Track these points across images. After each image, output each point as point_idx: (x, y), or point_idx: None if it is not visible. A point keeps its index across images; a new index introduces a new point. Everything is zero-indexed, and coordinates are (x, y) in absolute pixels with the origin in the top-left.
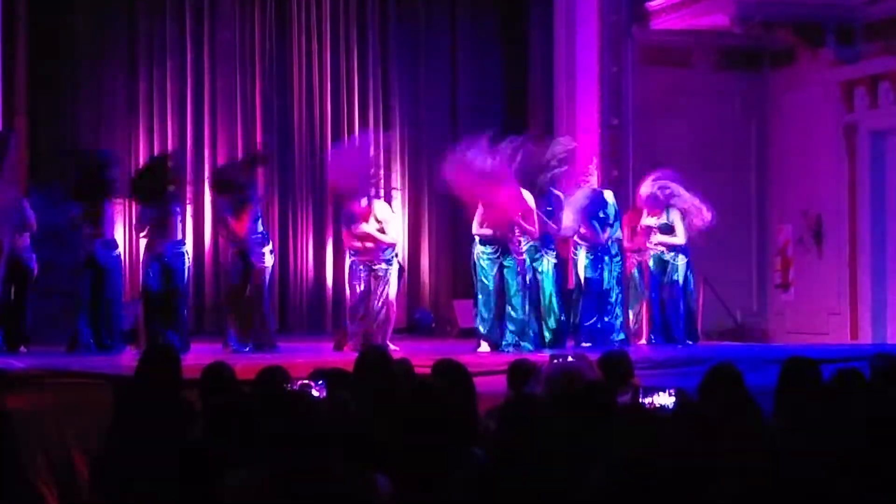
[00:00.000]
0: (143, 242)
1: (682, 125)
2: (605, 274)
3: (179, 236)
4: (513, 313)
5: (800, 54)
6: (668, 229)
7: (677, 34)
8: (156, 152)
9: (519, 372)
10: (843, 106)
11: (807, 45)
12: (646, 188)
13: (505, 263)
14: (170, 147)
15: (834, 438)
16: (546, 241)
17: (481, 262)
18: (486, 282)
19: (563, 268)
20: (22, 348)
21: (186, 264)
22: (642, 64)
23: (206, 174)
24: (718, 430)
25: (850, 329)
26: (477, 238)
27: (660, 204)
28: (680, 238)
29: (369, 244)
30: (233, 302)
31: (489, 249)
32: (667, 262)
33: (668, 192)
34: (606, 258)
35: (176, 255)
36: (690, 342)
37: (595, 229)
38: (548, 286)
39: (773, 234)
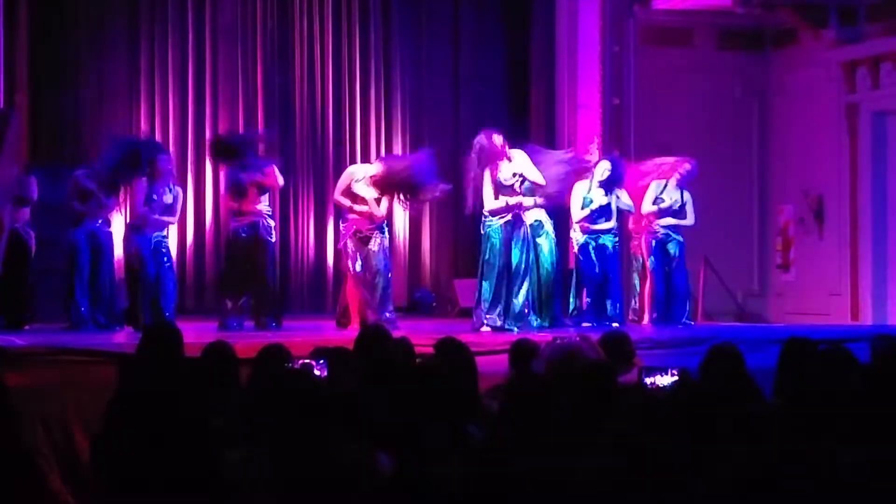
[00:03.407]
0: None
1: (684, 105)
2: (604, 253)
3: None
4: (517, 293)
5: (802, 34)
6: (681, 211)
7: (679, 14)
8: (157, 130)
9: (521, 351)
10: (844, 86)
11: (809, 25)
12: None
13: (513, 241)
14: (171, 126)
15: (832, 417)
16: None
17: (491, 237)
18: (491, 259)
19: (563, 246)
20: (25, 325)
21: (170, 245)
22: (644, 43)
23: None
24: (718, 409)
25: (850, 310)
26: (487, 212)
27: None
28: (690, 220)
29: (363, 208)
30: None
31: (499, 223)
32: (666, 242)
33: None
34: (604, 238)
35: (161, 237)
36: (689, 322)
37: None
38: (545, 263)
39: (774, 215)
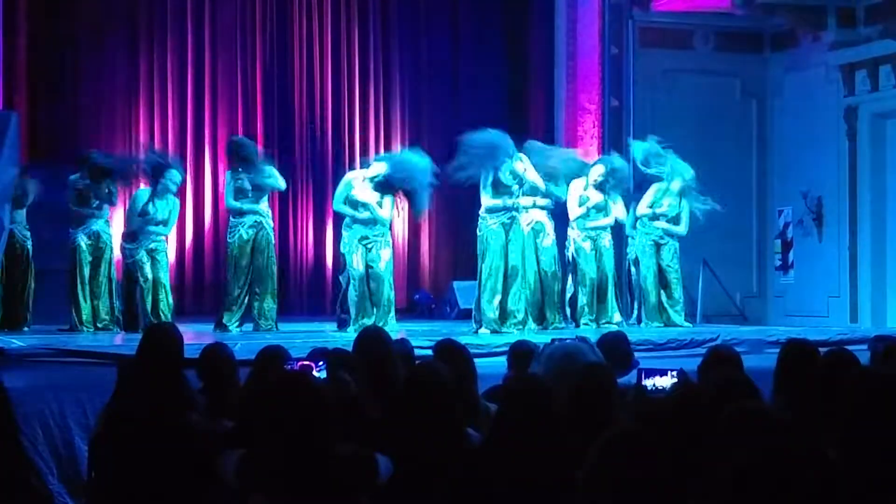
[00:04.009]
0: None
1: (683, 107)
2: (601, 255)
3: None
4: (514, 294)
5: (801, 37)
6: (675, 219)
7: (678, 16)
8: (156, 130)
9: (520, 353)
10: (843, 88)
11: (808, 28)
12: None
13: (510, 244)
14: (170, 127)
15: (830, 418)
16: (547, 215)
17: (489, 239)
18: (490, 262)
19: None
20: (24, 327)
21: (165, 255)
22: (643, 45)
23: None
24: (716, 411)
25: (849, 312)
26: (484, 207)
27: None
28: (682, 229)
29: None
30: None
31: (496, 225)
32: (661, 245)
33: None
34: (601, 239)
35: (158, 244)
36: (688, 324)
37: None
38: (546, 265)
39: (774, 217)
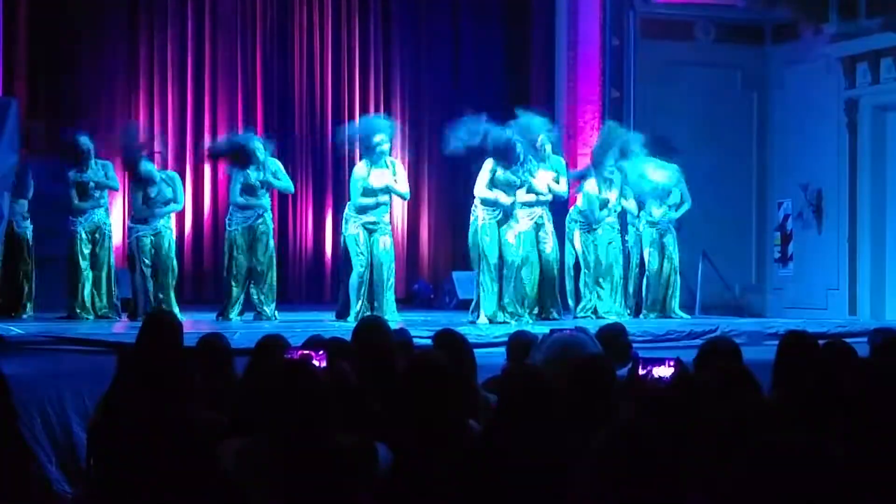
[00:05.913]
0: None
1: (684, 98)
2: (603, 247)
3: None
4: (511, 284)
5: (802, 29)
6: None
7: (679, 7)
8: (156, 117)
9: (519, 344)
10: (844, 81)
11: (809, 20)
12: None
13: (504, 236)
14: (170, 116)
15: (829, 410)
16: (548, 208)
17: (483, 228)
18: (485, 250)
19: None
20: (23, 315)
21: (172, 237)
22: (644, 37)
23: (206, 142)
24: (716, 403)
25: (848, 304)
26: (478, 200)
27: None
28: (687, 204)
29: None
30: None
31: (490, 214)
32: (664, 234)
33: None
34: (602, 232)
35: (163, 226)
36: (686, 316)
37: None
38: (547, 259)
39: (773, 209)
